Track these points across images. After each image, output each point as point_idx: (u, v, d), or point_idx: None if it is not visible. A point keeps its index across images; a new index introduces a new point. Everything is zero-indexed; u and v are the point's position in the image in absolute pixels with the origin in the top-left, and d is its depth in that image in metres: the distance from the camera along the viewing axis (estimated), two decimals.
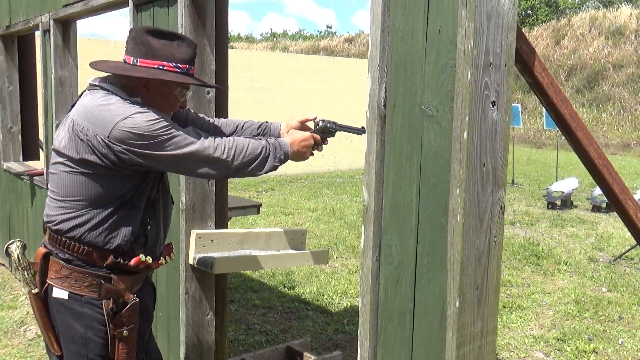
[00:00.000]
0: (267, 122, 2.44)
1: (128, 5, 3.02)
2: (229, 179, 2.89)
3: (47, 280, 2.00)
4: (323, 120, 2.29)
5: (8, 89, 4.98)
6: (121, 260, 1.98)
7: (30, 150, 5.35)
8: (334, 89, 13.22)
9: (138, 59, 1.95)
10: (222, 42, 2.72)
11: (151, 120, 1.86)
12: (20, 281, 1.98)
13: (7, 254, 2.09)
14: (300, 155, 2.16)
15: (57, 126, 3.92)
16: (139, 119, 1.85)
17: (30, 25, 4.21)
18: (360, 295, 1.80)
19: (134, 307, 2.01)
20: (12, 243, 2.10)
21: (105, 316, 1.97)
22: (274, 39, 40.12)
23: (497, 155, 1.55)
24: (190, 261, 2.66)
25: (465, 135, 1.45)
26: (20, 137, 5.11)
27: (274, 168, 2.04)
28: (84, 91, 2.04)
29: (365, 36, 37.94)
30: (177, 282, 2.78)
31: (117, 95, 1.94)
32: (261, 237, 2.89)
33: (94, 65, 2.01)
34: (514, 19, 1.53)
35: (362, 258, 1.78)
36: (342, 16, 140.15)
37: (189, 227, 2.67)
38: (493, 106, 1.51)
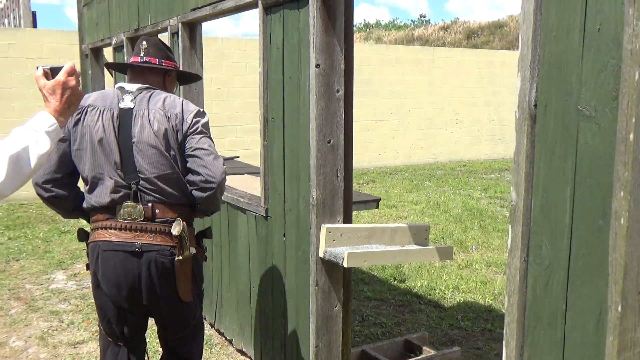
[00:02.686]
0: None
1: (256, 7, 3.15)
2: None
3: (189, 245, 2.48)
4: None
5: None
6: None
7: None
8: (433, 79, 13.04)
9: (163, 61, 2.63)
10: (348, 41, 2.78)
11: None
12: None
13: (178, 234, 2.46)
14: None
15: None
16: None
17: (159, 28, 4.47)
18: (506, 295, 1.80)
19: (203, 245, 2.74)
20: (176, 223, 2.44)
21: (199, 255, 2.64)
22: (367, 30, 39.97)
23: None
24: (321, 254, 2.75)
25: (631, 137, 1.42)
26: None
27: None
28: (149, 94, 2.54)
29: (462, 24, 36.96)
30: (307, 275, 2.88)
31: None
32: (386, 232, 2.94)
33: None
34: None
35: (510, 258, 1.78)
36: (435, 3, 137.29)
37: (319, 221, 2.76)
38: None
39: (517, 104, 1.73)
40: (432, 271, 5.43)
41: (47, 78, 1.89)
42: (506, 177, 11.17)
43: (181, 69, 4.10)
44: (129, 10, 5.15)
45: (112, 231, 2.40)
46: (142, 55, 2.59)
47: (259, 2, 3.05)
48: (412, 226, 3.04)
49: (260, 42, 3.09)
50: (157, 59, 2.59)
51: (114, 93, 2.50)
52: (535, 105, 1.69)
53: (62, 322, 4.23)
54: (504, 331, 1.82)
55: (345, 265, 2.64)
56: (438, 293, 4.89)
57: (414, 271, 5.42)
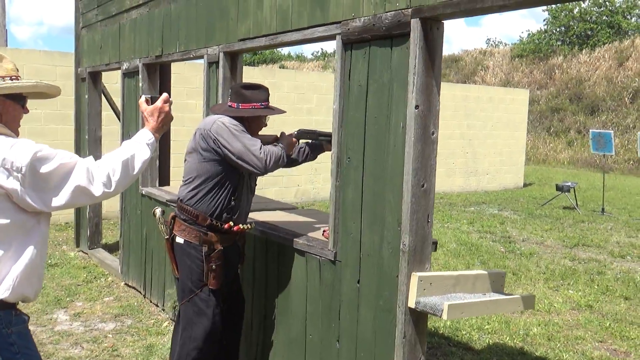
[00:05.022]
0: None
1: (331, 40, 3.02)
2: None
3: (173, 232, 3.20)
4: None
5: None
6: (214, 222, 3.12)
7: (163, 177, 5.44)
8: None
9: (240, 104, 3.19)
10: (439, 81, 2.69)
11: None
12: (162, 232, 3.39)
13: (154, 214, 3.37)
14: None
15: None
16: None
17: (191, 55, 4.28)
18: None
19: (219, 253, 3.15)
20: (157, 208, 3.42)
21: (203, 256, 3.12)
22: (325, 59, 40.24)
23: None
24: (412, 304, 2.60)
25: None
26: (157, 163, 5.19)
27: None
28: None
29: (468, 54, 37.68)
30: (388, 325, 2.73)
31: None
32: (469, 280, 2.83)
33: (213, 109, 3.39)
34: None
35: None
36: None
37: (410, 269, 2.62)
38: None
39: None
40: None
41: (148, 104, 2.36)
42: (486, 210, 11.28)
43: (219, 100, 3.92)
44: (149, 35, 4.92)
45: None
46: (229, 100, 3.28)
47: (338, 37, 2.93)
48: (491, 273, 2.94)
49: (336, 79, 2.96)
50: (235, 104, 3.20)
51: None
52: None
53: None
54: None
55: (445, 317, 2.50)
56: (465, 334, 4.78)
57: None
